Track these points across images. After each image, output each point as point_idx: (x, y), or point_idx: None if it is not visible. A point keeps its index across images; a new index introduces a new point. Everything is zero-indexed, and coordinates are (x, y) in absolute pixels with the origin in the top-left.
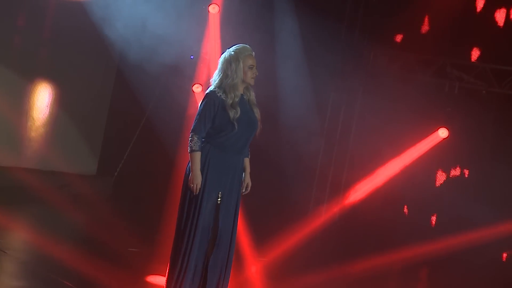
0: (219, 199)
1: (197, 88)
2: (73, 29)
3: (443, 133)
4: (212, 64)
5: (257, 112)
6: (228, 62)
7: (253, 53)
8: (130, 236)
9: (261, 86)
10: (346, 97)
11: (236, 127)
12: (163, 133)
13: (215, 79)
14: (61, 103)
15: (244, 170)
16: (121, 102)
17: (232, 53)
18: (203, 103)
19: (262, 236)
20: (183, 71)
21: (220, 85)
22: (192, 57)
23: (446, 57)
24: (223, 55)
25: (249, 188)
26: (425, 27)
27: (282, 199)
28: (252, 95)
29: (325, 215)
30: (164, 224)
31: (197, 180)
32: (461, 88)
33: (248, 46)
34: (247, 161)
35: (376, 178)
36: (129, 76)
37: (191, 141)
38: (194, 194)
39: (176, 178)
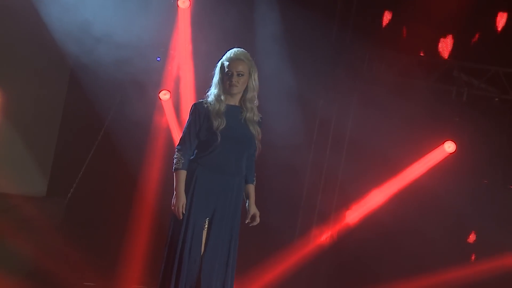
0: (206, 225)
1: (164, 95)
2: (18, 29)
3: (449, 147)
4: (182, 67)
5: (255, 130)
6: (215, 71)
7: (240, 55)
8: (85, 268)
9: None
10: (338, 106)
11: (219, 139)
12: (124, 148)
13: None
14: (3, 113)
15: (248, 198)
16: (76, 112)
17: (220, 60)
18: (190, 116)
19: (241, 268)
20: (148, 75)
21: (210, 94)
22: (158, 59)
23: (453, 59)
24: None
25: (257, 219)
26: (428, 25)
27: (262, 224)
28: (251, 114)
29: (312, 243)
30: (125, 254)
31: (179, 201)
32: (471, 95)
33: (236, 49)
34: (251, 188)
35: (372, 200)
36: (84, 82)
37: (174, 158)
38: (179, 218)
39: (139, 201)
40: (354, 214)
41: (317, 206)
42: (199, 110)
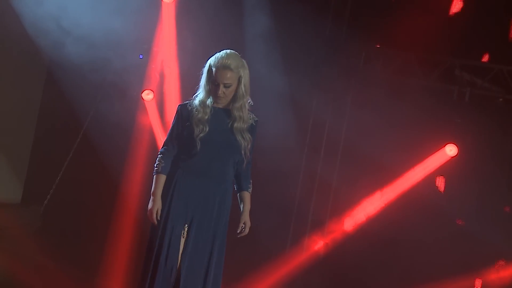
0: (184, 232)
1: (147, 95)
2: None
3: (451, 150)
4: (166, 66)
5: (243, 139)
6: (203, 71)
7: (228, 63)
8: (63, 280)
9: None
10: (332, 107)
11: (199, 146)
12: (105, 151)
13: (199, 85)
14: None
15: (242, 205)
16: (53, 114)
17: (209, 59)
18: (174, 117)
19: (231, 278)
20: (130, 73)
21: (196, 95)
22: (141, 56)
23: (455, 57)
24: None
25: (247, 229)
26: (428, 21)
27: (252, 233)
28: (240, 123)
29: (306, 252)
30: (105, 264)
31: (154, 206)
32: (473, 95)
33: (225, 53)
34: (246, 195)
35: (368, 207)
36: (62, 81)
37: (157, 160)
38: (155, 224)
39: (120, 207)
40: (350, 222)
41: (310, 213)
42: (182, 113)
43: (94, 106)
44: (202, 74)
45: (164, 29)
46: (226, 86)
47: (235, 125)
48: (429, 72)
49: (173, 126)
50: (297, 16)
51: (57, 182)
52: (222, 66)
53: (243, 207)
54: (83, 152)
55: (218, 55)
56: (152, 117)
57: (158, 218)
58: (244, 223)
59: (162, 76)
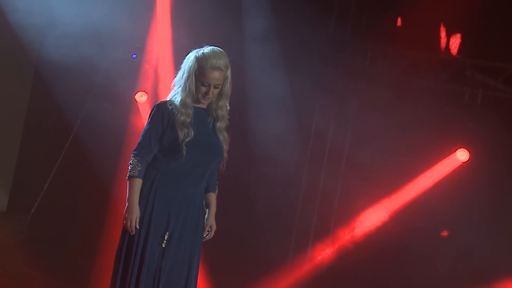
0: (165, 241)
1: (141, 97)
2: None
3: (462, 155)
4: (161, 66)
5: (224, 138)
6: (185, 66)
7: (221, 64)
8: None
9: None
10: (336, 110)
11: (185, 152)
12: (96, 156)
13: (175, 81)
14: None
15: (208, 208)
16: (40, 116)
17: (195, 56)
18: (150, 116)
19: None
20: (123, 75)
21: (174, 94)
22: (134, 56)
23: (466, 56)
24: (189, 54)
25: (212, 233)
26: (438, 18)
27: (253, 244)
28: (222, 123)
29: (308, 263)
30: (96, 275)
31: (132, 214)
32: (486, 96)
33: (216, 52)
34: (212, 197)
35: (374, 216)
36: (51, 83)
37: (130, 164)
38: (131, 234)
39: (112, 215)
40: (355, 232)
41: (313, 223)
42: (163, 113)
43: (84, 109)
44: (183, 70)
45: (159, 27)
46: (216, 87)
47: (218, 125)
48: (439, 72)
49: (150, 127)
50: (299, 14)
51: (45, 189)
52: (215, 67)
53: (209, 209)
54: (73, 158)
55: (207, 53)
56: (145, 120)
57: (137, 227)
58: (210, 227)
59: (156, 77)
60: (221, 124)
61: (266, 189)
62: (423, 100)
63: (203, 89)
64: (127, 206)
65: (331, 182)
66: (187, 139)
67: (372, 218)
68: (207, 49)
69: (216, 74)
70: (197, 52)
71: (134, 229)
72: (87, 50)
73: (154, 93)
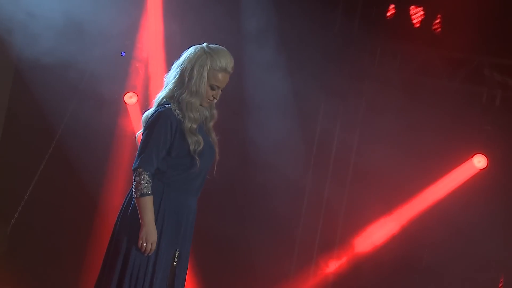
0: (176, 259)
1: (130, 99)
2: None
3: (479, 162)
4: (152, 64)
5: (214, 139)
6: (191, 64)
7: (232, 68)
8: None
9: (220, 100)
10: (342, 112)
11: (199, 163)
12: (81, 163)
13: (168, 81)
14: None
15: None
16: (21, 119)
17: (205, 53)
18: (156, 125)
19: None
20: (110, 74)
21: (172, 95)
22: (123, 54)
23: (484, 54)
24: (190, 50)
25: None
26: (453, 13)
27: (253, 257)
28: (213, 121)
29: (313, 278)
30: None
31: (153, 236)
32: (505, 98)
33: (229, 55)
34: None
35: (384, 228)
36: (32, 83)
37: (140, 180)
38: (145, 255)
39: (100, 226)
40: (363, 245)
41: (318, 235)
42: (171, 121)
43: (69, 111)
44: (189, 69)
45: (150, 22)
46: (222, 89)
47: (210, 124)
48: (454, 72)
49: (158, 137)
50: (301, 8)
51: (26, 198)
52: (228, 71)
53: None
54: (57, 164)
55: (218, 54)
56: (135, 124)
57: (154, 248)
58: None
59: (147, 77)
60: (211, 124)
61: (266, 199)
62: (437, 102)
63: (212, 92)
64: (145, 227)
65: (336, 191)
66: (198, 149)
67: (381, 230)
68: (214, 48)
69: (226, 78)
70: (204, 50)
71: (152, 251)
72: (71, 47)
73: (145, 94)
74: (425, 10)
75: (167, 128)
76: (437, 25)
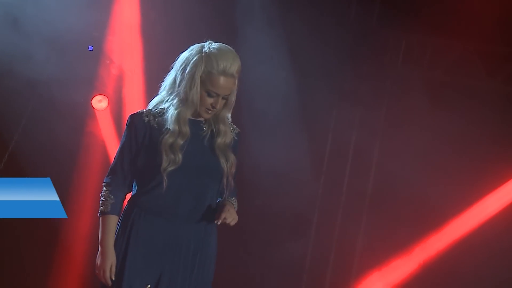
0: None
1: (99, 103)
2: None
3: None
4: (126, 61)
5: (225, 159)
6: (185, 65)
7: (234, 68)
8: None
9: None
10: (359, 120)
11: (165, 183)
12: (41, 176)
13: (164, 84)
14: None
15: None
16: None
17: (202, 52)
18: (124, 132)
19: None
20: (76, 73)
21: (162, 101)
22: (91, 48)
23: None
24: (185, 52)
25: (227, 215)
26: (494, 1)
27: None
28: (224, 139)
29: None
30: None
31: (106, 262)
32: None
33: (232, 54)
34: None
35: (408, 264)
36: None
37: (102, 196)
38: (106, 285)
39: (63, 251)
40: (382, 285)
41: (328, 277)
42: (136, 126)
43: (25, 116)
44: (180, 73)
45: (124, 10)
46: (224, 97)
47: (218, 141)
48: (495, 70)
49: (122, 146)
50: None
51: None
52: (227, 73)
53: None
54: (13, 174)
55: (216, 53)
56: (105, 132)
57: (113, 277)
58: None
59: (120, 76)
60: (222, 141)
61: (266, 226)
62: (474, 108)
63: (209, 100)
64: (100, 251)
65: (352, 216)
66: (171, 168)
67: (406, 265)
68: (214, 47)
69: (227, 82)
70: (201, 49)
71: (109, 279)
72: (29, 40)
73: (117, 98)
74: None
75: (131, 134)
76: (474, 15)
